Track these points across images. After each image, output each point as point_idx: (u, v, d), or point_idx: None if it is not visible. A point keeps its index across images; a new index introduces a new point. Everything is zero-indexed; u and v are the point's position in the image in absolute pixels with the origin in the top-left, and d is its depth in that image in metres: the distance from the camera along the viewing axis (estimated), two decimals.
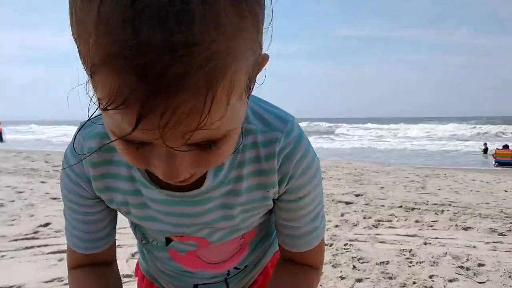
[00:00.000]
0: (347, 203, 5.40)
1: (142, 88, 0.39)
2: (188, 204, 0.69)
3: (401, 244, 3.68)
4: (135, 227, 0.81)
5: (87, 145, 0.68)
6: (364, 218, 4.61)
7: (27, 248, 3.58)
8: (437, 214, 4.78)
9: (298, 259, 0.78)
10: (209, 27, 0.39)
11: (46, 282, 2.84)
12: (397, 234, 4.00)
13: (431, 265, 3.17)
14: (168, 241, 0.78)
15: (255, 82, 0.51)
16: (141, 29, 0.38)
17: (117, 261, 0.86)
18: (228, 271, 0.84)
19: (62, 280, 2.86)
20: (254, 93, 0.54)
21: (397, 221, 4.49)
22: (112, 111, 0.41)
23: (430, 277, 2.94)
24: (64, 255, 3.35)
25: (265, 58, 0.52)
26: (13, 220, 4.49)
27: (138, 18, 0.38)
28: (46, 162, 10.17)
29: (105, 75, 0.40)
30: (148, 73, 0.38)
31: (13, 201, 5.48)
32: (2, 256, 3.36)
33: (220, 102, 0.42)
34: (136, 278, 1.00)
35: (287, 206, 0.73)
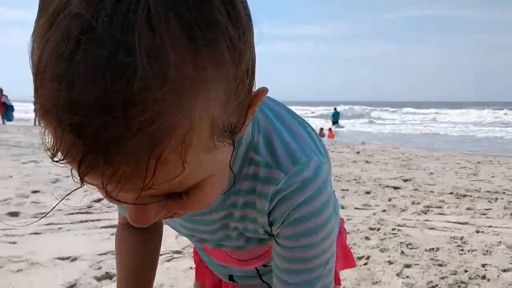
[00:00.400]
0: (395, 188, 5.29)
1: (79, 147, 0.37)
2: (193, 222, 0.70)
3: (451, 232, 3.58)
4: None
5: None
6: (413, 203, 4.50)
7: (82, 221, 3.74)
8: (491, 202, 4.60)
9: None
10: (152, 84, 0.34)
11: (100, 254, 2.97)
12: (448, 221, 3.88)
13: (484, 254, 3.07)
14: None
15: (244, 122, 0.45)
16: (76, 85, 0.34)
17: (167, 238, 0.91)
18: (257, 268, 0.82)
19: (114, 253, 2.97)
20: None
21: (448, 207, 4.36)
22: (59, 163, 0.40)
23: (483, 266, 2.85)
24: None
25: (261, 92, 0.46)
26: (69, 194, 4.69)
27: (74, 72, 0.34)
28: None
29: (46, 125, 0.39)
30: (82, 134, 0.36)
31: (67, 176, 5.70)
32: (59, 229, 3.53)
33: (168, 164, 0.38)
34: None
35: (280, 250, 0.64)
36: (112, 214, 3.93)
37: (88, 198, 4.51)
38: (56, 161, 0.40)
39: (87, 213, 4.01)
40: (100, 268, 2.73)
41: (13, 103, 18.94)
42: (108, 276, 2.63)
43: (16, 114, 19.53)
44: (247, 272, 0.83)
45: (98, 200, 4.41)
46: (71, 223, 3.67)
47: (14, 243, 3.15)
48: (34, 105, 0.39)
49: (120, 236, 0.90)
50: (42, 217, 3.67)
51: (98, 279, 2.59)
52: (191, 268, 2.52)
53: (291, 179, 0.58)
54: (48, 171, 6.07)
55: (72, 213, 3.97)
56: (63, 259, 2.88)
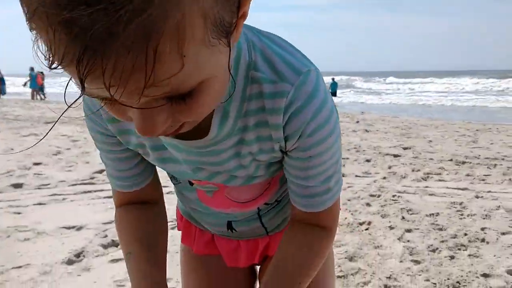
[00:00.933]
0: (395, 156, 5.32)
1: (74, 47, 0.35)
2: (204, 154, 0.67)
3: (451, 197, 3.62)
4: None
5: None
6: (413, 171, 4.54)
7: (85, 192, 3.78)
8: (490, 168, 4.64)
9: (310, 220, 0.73)
10: None
11: (105, 223, 3.01)
12: (447, 187, 3.93)
13: (483, 218, 3.12)
14: (191, 183, 0.78)
15: (235, 21, 0.44)
16: None
17: (170, 206, 0.86)
18: (258, 208, 0.82)
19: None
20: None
21: (447, 174, 4.40)
22: (56, 70, 0.38)
23: (482, 229, 2.90)
24: None
25: None
26: (71, 166, 4.73)
27: None
28: None
29: (36, 31, 0.37)
30: (74, 30, 0.34)
31: (69, 149, 5.75)
32: (63, 199, 3.56)
33: (167, 55, 0.37)
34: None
35: (296, 163, 0.67)
36: None
37: (90, 169, 4.54)
38: (54, 68, 0.38)
39: (90, 184, 4.04)
40: (105, 236, 2.77)
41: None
42: (114, 244, 2.67)
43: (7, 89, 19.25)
44: (247, 214, 0.83)
45: (100, 171, 4.44)
46: (74, 194, 3.71)
47: (19, 213, 3.18)
48: (22, 7, 0.37)
49: (122, 218, 0.81)
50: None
51: (105, 246, 2.63)
52: None
53: (298, 89, 0.59)
54: (48, 143, 6.08)
55: (75, 184, 4.00)
56: (68, 228, 2.92)
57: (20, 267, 2.33)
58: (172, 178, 0.81)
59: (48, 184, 3.98)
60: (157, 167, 0.79)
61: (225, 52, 0.45)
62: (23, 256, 2.47)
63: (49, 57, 0.37)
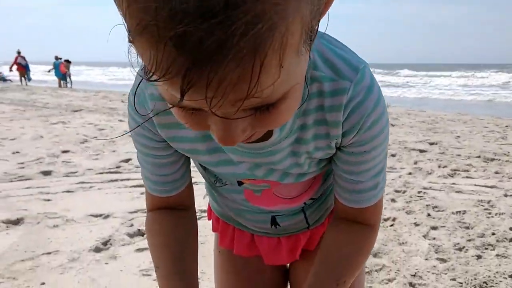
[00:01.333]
0: (421, 151, 5.24)
1: (182, 61, 0.35)
2: (260, 155, 0.68)
3: (479, 195, 3.55)
4: (204, 169, 0.79)
5: (148, 97, 0.65)
6: (439, 167, 4.46)
7: (111, 181, 3.84)
8: None
9: (355, 217, 0.74)
10: None
11: (131, 212, 3.06)
12: (475, 185, 3.85)
13: None
14: (240, 183, 0.78)
15: (317, 28, 0.45)
16: None
17: (194, 197, 0.85)
18: (305, 202, 0.83)
19: (145, 212, 3.06)
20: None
21: (475, 171, 4.32)
22: (156, 82, 0.39)
23: (511, 229, 2.84)
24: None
25: (329, 1, 0.46)
26: (98, 154, 4.82)
27: None
28: (122, 101, 10.65)
29: (142, 45, 0.37)
30: (185, 44, 0.34)
31: (96, 137, 5.85)
32: (91, 187, 3.64)
33: (270, 67, 0.38)
34: (210, 221, 0.99)
35: (350, 158, 0.68)
36: (140, 173, 4.01)
37: (117, 158, 4.62)
38: (154, 81, 0.38)
39: (116, 172, 4.11)
40: (132, 225, 2.82)
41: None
42: (140, 233, 2.72)
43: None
44: (293, 209, 0.84)
45: (127, 161, 4.51)
46: (101, 182, 3.78)
47: (49, 200, 3.27)
48: (126, 26, 0.38)
49: (154, 222, 0.80)
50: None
51: (131, 235, 2.68)
52: None
53: (357, 85, 0.61)
54: (76, 131, 6.20)
55: (102, 173, 4.07)
56: (96, 216, 2.98)
57: (50, 253, 2.40)
58: (217, 181, 0.81)
59: (76, 172, 4.06)
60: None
61: (306, 59, 0.46)
62: (52, 242, 2.54)
63: (151, 69, 0.37)
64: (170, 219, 0.79)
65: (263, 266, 0.93)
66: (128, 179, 3.88)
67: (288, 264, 0.98)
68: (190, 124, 0.48)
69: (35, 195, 3.37)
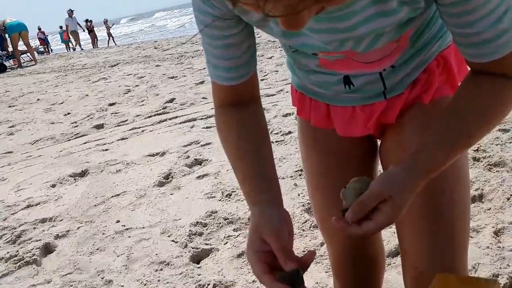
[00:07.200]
0: None
1: None
2: (335, 19, 0.63)
3: None
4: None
5: None
6: None
7: (160, 121, 3.93)
8: None
9: (489, 69, 0.64)
10: None
11: (185, 146, 3.13)
12: None
13: None
14: (315, 55, 0.74)
15: None
16: None
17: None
18: (384, 69, 0.77)
19: (198, 143, 3.13)
20: None
21: None
22: None
23: None
24: (195, 123, 3.63)
25: None
26: (142, 101, 4.91)
27: None
28: (155, 48, 10.67)
29: None
30: None
31: (137, 85, 5.94)
32: (143, 131, 3.74)
33: None
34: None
35: (452, 10, 0.60)
36: (186, 110, 4.07)
37: (161, 100, 4.69)
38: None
39: (163, 113, 4.18)
40: (188, 157, 2.89)
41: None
42: (197, 162, 2.79)
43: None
44: (369, 73, 0.78)
45: (171, 101, 4.58)
46: (152, 125, 3.87)
47: (106, 150, 3.40)
48: None
49: (226, 117, 0.79)
50: None
51: (189, 166, 2.76)
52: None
53: None
54: (118, 84, 6.32)
55: (150, 116, 4.16)
56: (153, 155, 3.08)
57: (118, 195, 2.52)
58: (291, 47, 0.78)
59: (126, 120, 4.17)
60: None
61: None
62: (118, 185, 2.67)
63: None
64: (240, 114, 0.77)
65: (344, 139, 0.88)
66: (176, 117, 3.95)
67: (379, 142, 0.92)
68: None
69: (93, 147, 3.51)
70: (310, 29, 0.66)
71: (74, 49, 18.70)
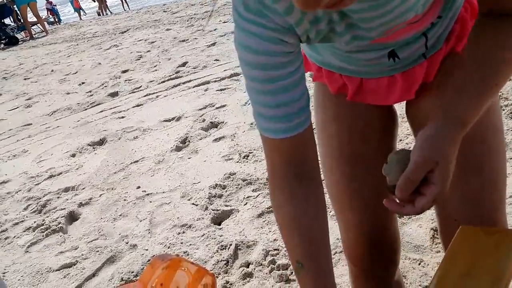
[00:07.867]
0: None
1: None
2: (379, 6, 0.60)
3: None
4: None
5: None
6: None
7: (174, 86, 3.91)
8: None
9: (501, 7, 0.62)
10: None
11: (200, 109, 3.13)
12: None
13: None
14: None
15: None
16: None
17: None
18: (432, 22, 0.73)
19: (213, 105, 3.12)
20: None
21: None
22: None
23: None
24: (209, 86, 3.60)
25: None
26: (155, 66, 4.88)
27: None
28: (164, 11, 10.51)
29: None
30: None
31: (149, 51, 5.89)
32: (157, 96, 3.73)
33: None
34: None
35: None
36: (199, 73, 4.04)
37: (173, 64, 4.65)
38: None
39: (176, 78, 4.16)
40: (204, 120, 2.89)
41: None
42: (213, 125, 2.79)
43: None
44: (414, 36, 0.73)
45: (183, 64, 4.54)
46: (166, 90, 3.85)
47: (123, 117, 3.41)
48: None
49: (281, 201, 0.70)
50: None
51: (205, 129, 2.76)
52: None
53: None
54: (129, 51, 6.27)
55: (163, 81, 4.14)
56: (169, 120, 3.09)
57: (137, 161, 2.55)
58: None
59: (140, 87, 4.17)
60: None
61: None
62: (136, 152, 2.69)
63: None
64: (299, 191, 0.70)
65: (366, 110, 0.85)
66: (189, 81, 3.92)
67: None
68: None
69: (110, 115, 3.53)
70: (361, 19, 0.63)
71: (102, 14, 18.52)
